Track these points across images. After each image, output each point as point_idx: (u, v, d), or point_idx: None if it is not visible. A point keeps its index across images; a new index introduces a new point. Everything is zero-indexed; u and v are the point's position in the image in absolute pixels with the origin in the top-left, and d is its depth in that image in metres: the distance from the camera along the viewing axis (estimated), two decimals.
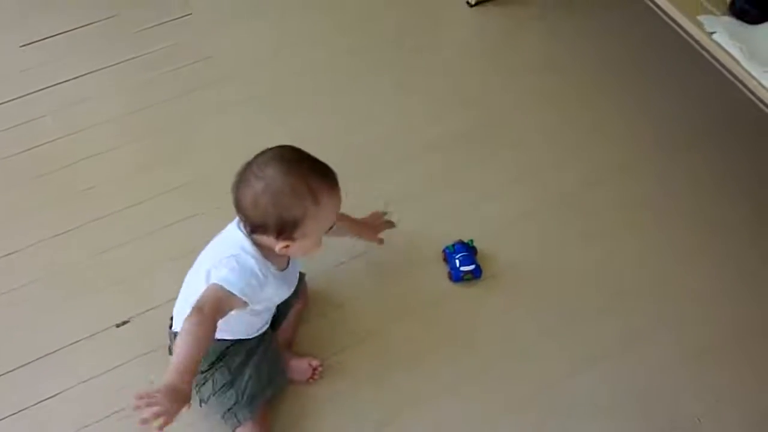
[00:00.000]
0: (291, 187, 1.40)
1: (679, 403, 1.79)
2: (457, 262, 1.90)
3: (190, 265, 1.69)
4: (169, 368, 1.29)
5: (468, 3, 2.57)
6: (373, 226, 1.86)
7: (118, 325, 1.77)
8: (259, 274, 1.45)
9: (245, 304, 1.45)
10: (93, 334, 1.77)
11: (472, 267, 1.90)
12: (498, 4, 2.59)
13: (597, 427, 1.74)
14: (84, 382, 1.71)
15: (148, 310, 1.81)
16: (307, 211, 1.40)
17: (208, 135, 2.19)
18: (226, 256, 1.46)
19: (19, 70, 2.28)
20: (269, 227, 1.42)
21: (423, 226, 2.01)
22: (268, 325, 1.68)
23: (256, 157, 1.46)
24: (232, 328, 1.58)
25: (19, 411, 1.67)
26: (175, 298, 1.65)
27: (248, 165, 1.45)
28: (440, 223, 2.03)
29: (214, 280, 1.43)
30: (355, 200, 1.72)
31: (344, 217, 1.72)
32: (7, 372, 1.72)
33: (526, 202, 2.10)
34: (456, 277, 1.90)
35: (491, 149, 2.21)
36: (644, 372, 1.82)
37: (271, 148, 1.47)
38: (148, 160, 2.12)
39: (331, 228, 1.51)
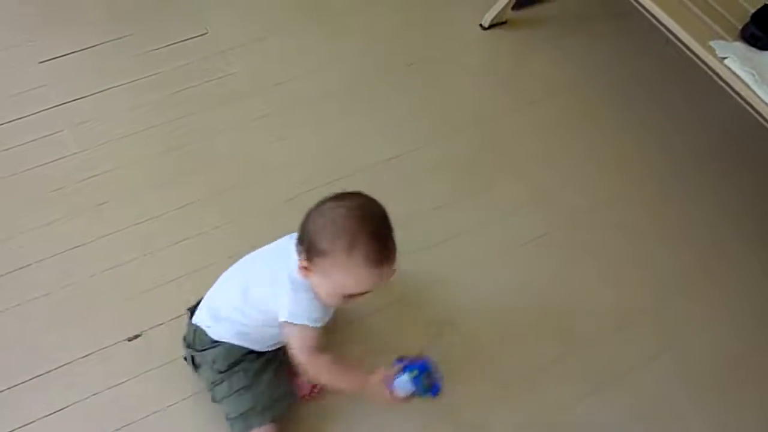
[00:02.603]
0: (342, 224, 1.45)
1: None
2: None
3: (202, 280, 1.71)
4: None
5: (481, 26, 2.60)
6: None
7: (129, 339, 1.78)
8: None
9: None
10: (104, 348, 1.78)
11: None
12: (511, 29, 2.61)
13: None
14: (95, 395, 1.71)
15: (159, 325, 1.81)
16: (335, 252, 1.44)
17: (222, 153, 2.20)
18: (287, 290, 1.53)
19: (37, 85, 2.30)
20: (303, 240, 1.50)
21: (427, 244, 2.03)
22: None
23: (357, 193, 1.53)
24: (252, 338, 1.61)
25: (29, 423, 1.67)
26: (185, 314, 1.67)
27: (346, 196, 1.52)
28: (444, 243, 2.05)
29: (292, 320, 1.52)
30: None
31: None
32: (18, 384, 1.73)
33: (535, 226, 2.12)
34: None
35: (497, 173, 2.24)
36: (647, 398, 1.84)
37: (368, 198, 1.52)
38: (162, 176, 2.14)
39: (353, 297, 1.51)
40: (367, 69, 2.46)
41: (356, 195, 1.52)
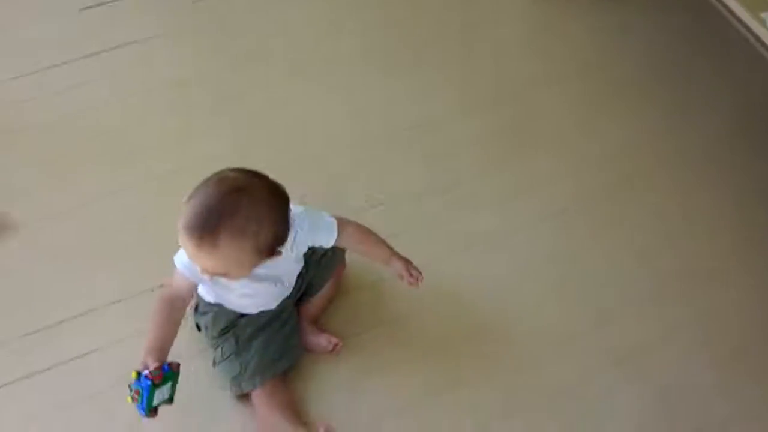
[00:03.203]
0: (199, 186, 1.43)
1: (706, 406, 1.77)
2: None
3: None
4: None
5: None
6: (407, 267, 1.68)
7: (153, 290, 1.80)
8: None
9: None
10: (131, 297, 1.81)
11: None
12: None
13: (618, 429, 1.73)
14: (120, 341, 1.74)
15: None
16: None
17: (253, 110, 2.20)
18: None
19: (77, 33, 2.32)
20: None
21: (455, 215, 2.02)
22: (277, 304, 1.68)
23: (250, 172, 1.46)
24: (225, 299, 1.64)
25: (55, 366, 1.71)
26: None
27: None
28: (472, 213, 2.03)
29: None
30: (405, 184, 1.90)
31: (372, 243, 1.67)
32: (46, 327, 1.76)
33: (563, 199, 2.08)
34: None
35: (529, 145, 2.19)
36: (671, 373, 1.81)
37: (244, 178, 1.43)
38: (194, 129, 2.15)
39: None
40: (403, 32, 2.43)
41: (245, 173, 1.43)
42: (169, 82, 2.24)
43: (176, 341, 1.47)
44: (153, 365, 1.36)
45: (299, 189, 1.94)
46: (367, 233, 1.65)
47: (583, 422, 1.73)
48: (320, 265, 1.73)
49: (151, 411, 1.37)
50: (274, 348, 1.66)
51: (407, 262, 1.65)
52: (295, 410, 1.65)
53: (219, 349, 1.67)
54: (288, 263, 1.60)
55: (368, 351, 1.78)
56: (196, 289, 1.61)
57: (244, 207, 1.36)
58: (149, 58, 2.30)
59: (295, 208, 1.54)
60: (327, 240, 1.59)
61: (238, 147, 2.09)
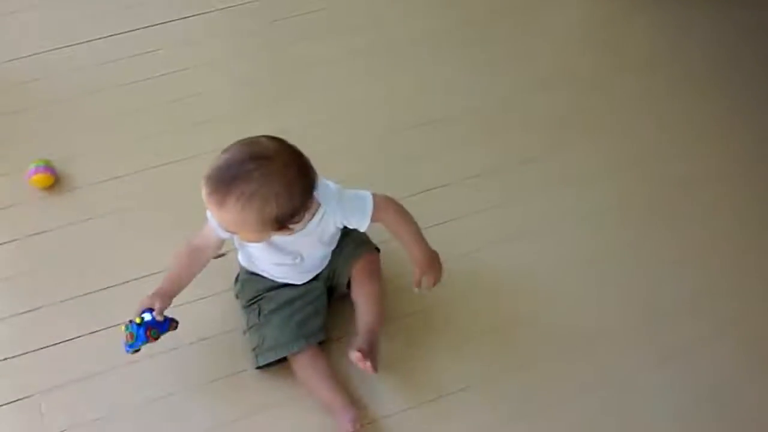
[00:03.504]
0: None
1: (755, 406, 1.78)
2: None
3: None
4: None
5: None
6: (422, 268, 1.65)
7: (215, 257, 1.85)
8: None
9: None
10: None
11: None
12: None
13: (666, 426, 1.74)
14: (177, 306, 1.73)
15: None
16: None
17: (314, 85, 2.24)
18: None
19: (138, 3, 2.37)
20: None
21: (505, 202, 2.03)
22: (303, 281, 1.70)
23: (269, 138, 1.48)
24: (256, 264, 1.68)
25: (112, 326, 1.75)
26: None
27: None
28: (525, 199, 2.05)
29: None
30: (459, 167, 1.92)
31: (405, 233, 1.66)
32: (105, 288, 1.82)
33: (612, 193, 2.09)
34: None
35: (583, 136, 2.20)
36: (719, 372, 1.81)
37: (258, 143, 1.46)
38: (252, 104, 2.18)
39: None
40: (455, 15, 2.44)
41: (278, 144, 1.45)
42: (236, 54, 2.30)
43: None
44: (158, 316, 1.53)
45: (356, 168, 2.03)
46: (403, 217, 1.62)
47: (625, 420, 1.74)
48: (341, 253, 1.72)
49: (135, 351, 1.56)
50: (292, 326, 1.66)
51: (429, 263, 1.63)
52: (333, 380, 1.67)
53: (246, 318, 1.72)
54: (309, 241, 1.59)
55: (402, 338, 1.79)
56: (220, 245, 1.63)
57: (258, 177, 1.37)
58: (216, 30, 2.35)
59: (328, 187, 1.55)
60: (360, 220, 1.57)
61: (300, 122, 2.11)
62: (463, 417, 1.71)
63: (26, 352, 1.72)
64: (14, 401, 1.66)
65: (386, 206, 1.60)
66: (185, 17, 2.36)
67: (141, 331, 1.53)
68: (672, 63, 2.39)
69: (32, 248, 1.88)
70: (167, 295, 1.58)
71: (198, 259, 1.62)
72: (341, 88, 2.24)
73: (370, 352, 1.61)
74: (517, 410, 1.73)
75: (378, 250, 1.80)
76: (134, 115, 2.14)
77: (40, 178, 1.94)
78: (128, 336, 1.54)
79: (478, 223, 1.99)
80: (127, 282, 1.82)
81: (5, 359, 1.71)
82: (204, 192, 1.40)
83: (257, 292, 1.70)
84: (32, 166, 1.94)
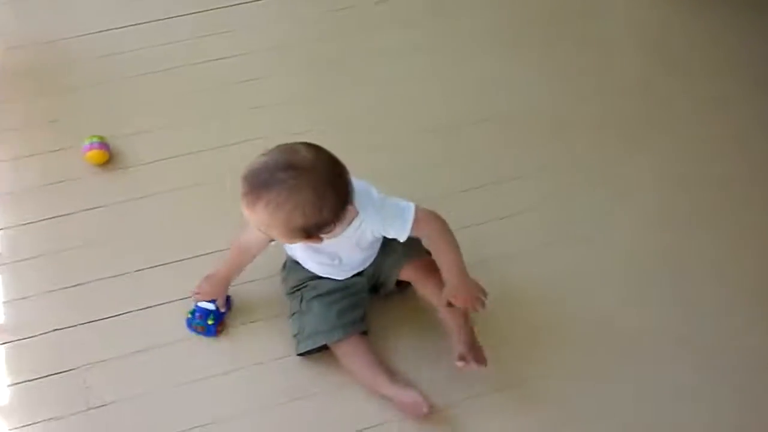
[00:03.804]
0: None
1: None
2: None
3: None
4: None
5: None
6: (452, 291, 1.60)
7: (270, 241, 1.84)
8: None
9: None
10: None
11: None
12: None
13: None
14: (251, 281, 1.77)
15: None
16: None
17: (370, 76, 2.23)
18: None
19: None
20: None
21: (554, 204, 2.00)
22: (344, 277, 1.69)
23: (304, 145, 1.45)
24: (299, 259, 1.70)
25: (160, 304, 1.77)
26: None
27: None
28: (573, 204, 2.01)
29: None
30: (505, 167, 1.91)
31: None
32: (155, 266, 1.82)
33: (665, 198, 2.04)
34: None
35: (643, 141, 2.15)
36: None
37: (294, 151, 1.43)
38: (309, 91, 2.19)
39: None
40: (526, 13, 2.41)
41: (316, 154, 1.42)
42: (298, 41, 2.30)
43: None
44: (221, 307, 1.71)
45: (413, 160, 2.03)
46: (445, 236, 1.57)
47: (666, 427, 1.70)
48: (390, 255, 1.70)
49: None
50: (332, 315, 1.65)
51: (464, 289, 1.57)
52: (379, 366, 1.65)
53: (289, 304, 1.73)
54: (347, 245, 1.58)
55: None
56: (267, 242, 1.63)
57: (290, 186, 1.36)
58: (281, 16, 2.36)
59: (369, 195, 1.52)
60: (398, 231, 1.54)
61: (354, 113, 2.13)
62: (508, 416, 1.68)
63: (74, 325, 1.73)
64: (60, 373, 1.66)
65: (428, 221, 1.56)
66: (250, 1, 2.37)
67: (212, 327, 1.71)
68: (724, 70, 2.33)
69: (85, 223, 1.89)
70: (223, 281, 1.71)
71: (246, 255, 1.69)
72: (399, 81, 2.22)
73: (472, 350, 1.63)
74: (562, 414, 1.69)
75: (429, 253, 1.76)
76: (193, 96, 2.15)
77: (95, 154, 1.96)
78: (199, 327, 1.71)
79: (523, 223, 1.95)
80: (177, 261, 1.83)
81: (54, 330, 1.72)
82: (240, 191, 1.41)
83: (300, 281, 1.71)
84: (87, 142, 1.96)
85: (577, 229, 1.96)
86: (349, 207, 1.45)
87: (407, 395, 1.62)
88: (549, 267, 1.88)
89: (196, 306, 1.72)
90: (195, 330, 1.71)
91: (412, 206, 1.54)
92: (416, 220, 1.53)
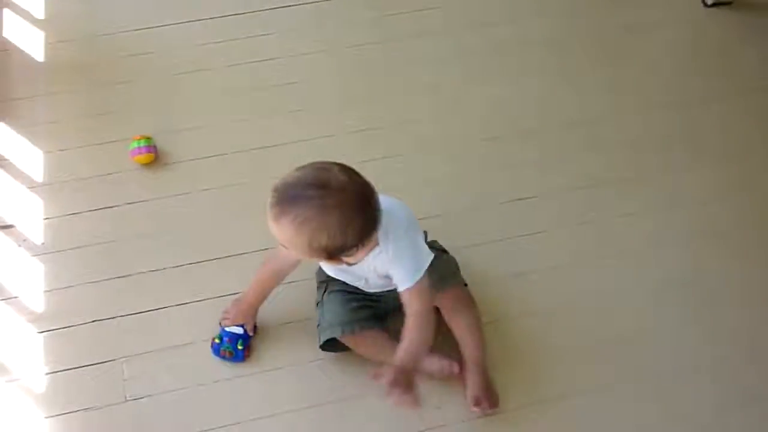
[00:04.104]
0: None
1: None
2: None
3: None
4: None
5: (704, 3, 2.45)
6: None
7: None
8: None
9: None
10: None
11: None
12: (736, 9, 2.45)
13: None
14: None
15: None
16: None
17: (416, 84, 2.22)
18: None
19: None
20: None
21: (605, 217, 1.97)
22: (370, 291, 1.67)
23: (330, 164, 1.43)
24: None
25: (200, 300, 1.78)
26: None
27: None
28: (623, 219, 1.97)
29: None
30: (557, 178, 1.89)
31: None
32: (196, 262, 1.83)
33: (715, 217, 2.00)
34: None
35: (692, 158, 2.12)
36: None
37: (318, 169, 1.41)
38: (351, 95, 2.19)
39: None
40: (574, 27, 2.40)
41: (349, 177, 1.39)
42: (346, 45, 2.30)
43: None
44: (250, 332, 1.70)
45: (451, 170, 2.03)
46: (420, 320, 1.51)
47: None
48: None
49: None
50: (348, 309, 1.65)
51: (400, 370, 1.46)
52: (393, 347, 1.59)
53: (316, 295, 1.74)
54: (368, 270, 1.56)
55: (502, 342, 1.75)
56: (297, 263, 1.64)
57: (317, 206, 1.34)
58: (330, 19, 2.37)
59: (397, 228, 1.48)
60: (400, 282, 1.51)
61: (399, 119, 2.13)
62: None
63: (114, 317, 1.74)
64: (98, 363, 1.68)
65: (424, 291, 1.52)
66: (302, 4, 2.39)
67: (238, 356, 1.69)
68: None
69: (128, 217, 1.91)
70: (252, 307, 1.71)
71: (275, 278, 1.69)
72: (446, 87, 2.22)
73: (486, 390, 1.64)
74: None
75: (465, 284, 1.74)
76: (238, 95, 2.17)
77: (142, 157, 1.98)
78: (227, 353, 1.68)
79: (569, 236, 1.94)
80: (218, 259, 1.84)
81: (93, 321, 1.73)
82: (268, 201, 1.39)
83: (329, 276, 1.70)
84: (134, 146, 1.98)
85: (626, 246, 1.93)
86: (375, 234, 1.43)
87: (432, 362, 1.63)
88: (581, 285, 1.86)
89: (224, 330, 1.70)
90: (222, 356, 1.68)
91: (425, 254, 1.54)
92: (420, 282, 1.51)
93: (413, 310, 1.52)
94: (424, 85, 2.23)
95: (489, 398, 1.63)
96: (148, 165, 1.98)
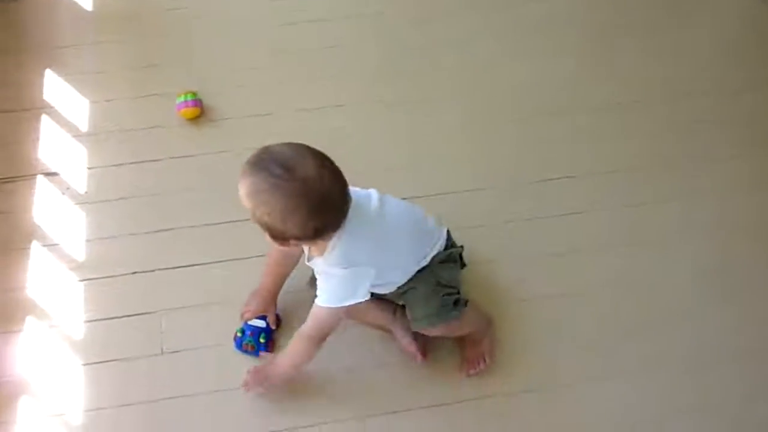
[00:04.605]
0: None
1: None
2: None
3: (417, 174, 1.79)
4: None
5: None
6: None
7: None
8: None
9: None
10: None
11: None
12: None
13: None
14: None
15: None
16: None
17: (466, 58, 2.20)
18: None
19: None
20: None
21: (640, 200, 1.95)
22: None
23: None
24: None
25: (239, 258, 1.78)
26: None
27: None
28: (657, 203, 1.94)
29: None
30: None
31: None
32: (237, 220, 1.80)
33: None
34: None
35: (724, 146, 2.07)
36: None
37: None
38: (398, 64, 2.17)
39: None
40: (612, 7, 2.35)
41: (319, 167, 1.34)
42: (402, 9, 2.29)
43: None
44: (272, 325, 1.68)
45: (488, 146, 2.02)
46: (297, 342, 1.53)
47: None
48: (410, 304, 1.60)
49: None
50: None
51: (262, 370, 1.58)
52: (385, 310, 1.66)
53: None
54: (316, 265, 1.50)
55: (529, 322, 1.74)
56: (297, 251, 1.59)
57: (272, 184, 1.31)
58: None
59: (348, 256, 1.42)
60: (317, 294, 1.49)
61: (444, 94, 2.11)
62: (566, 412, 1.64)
63: (155, 270, 1.75)
64: (137, 314, 1.69)
65: (320, 317, 1.49)
66: None
67: (263, 346, 1.65)
68: None
69: (171, 171, 1.91)
70: (271, 293, 1.69)
71: (287, 260, 1.66)
72: (500, 62, 2.19)
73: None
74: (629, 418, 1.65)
75: (466, 303, 1.63)
76: (286, 55, 2.16)
77: (189, 111, 1.97)
78: (249, 346, 1.65)
79: (602, 219, 1.91)
80: None
81: (134, 273, 1.74)
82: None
83: None
84: (181, 100, 1.97)
85: (656, 232, 1.90)
86: (319, 239, 1.39)
87: (406, 343, 1.65)
88: (609, 268, 1.83)
89: (246, 324, 1.68)
90: (245, 350, 1.65)
91: (350, 302, 1.47)
92: (324, 309, 1.47)
93: (301, 328, 1.51)
94: (459, 61, 2.19)
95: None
96: (194, 120, 1.98)
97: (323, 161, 1.35)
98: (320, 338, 1.51)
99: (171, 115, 1.98)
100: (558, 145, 2.03)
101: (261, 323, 1.67)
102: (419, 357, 1.65)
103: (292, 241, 1.38)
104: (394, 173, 1.90)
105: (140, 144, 1.95)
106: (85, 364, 1.63)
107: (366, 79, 2.13)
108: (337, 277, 1.45)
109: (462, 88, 2.14)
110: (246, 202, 1.35)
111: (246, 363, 1.62)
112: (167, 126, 1.98)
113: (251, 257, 1.76)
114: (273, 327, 1.67)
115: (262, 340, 1.65)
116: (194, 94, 1.98)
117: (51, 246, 1.78)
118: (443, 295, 1.56)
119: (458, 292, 1.61)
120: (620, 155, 2.02)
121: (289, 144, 1.37)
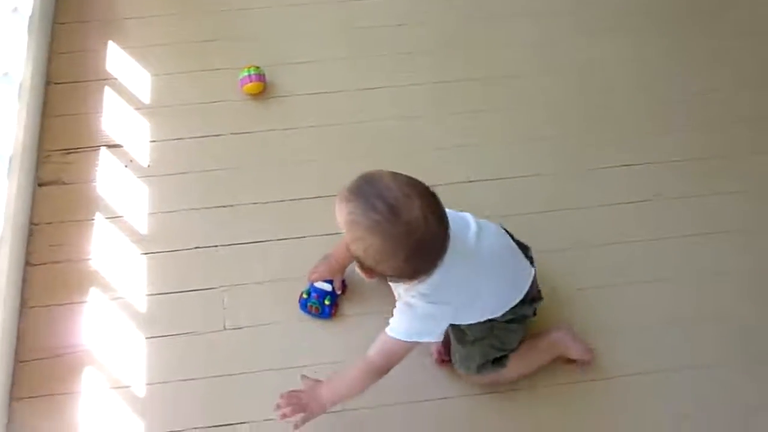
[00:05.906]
0: None
1: None
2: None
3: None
4: None
5: None
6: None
7: None
8: None
9: None
10: None
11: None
12: None
13: None
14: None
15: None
16: None
17: (510, 36, 2.16)
18: None
19: None
20: None
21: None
22: None
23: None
24: None
25: (301, 237, 1.77)
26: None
27: None
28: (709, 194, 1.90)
29: None
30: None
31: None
32: (298, 198, 1.82)
33: None
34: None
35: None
36: None
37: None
38: (473, 42, 2.13)
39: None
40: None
41: (424, 211, 1.27)
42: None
43: None
44: (338, 290, 1.67)
45: (564, 126, 1.97)
46: (361, 368, 1.43)
47: None
48: (455, 339, 1.58)
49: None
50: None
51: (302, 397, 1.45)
52: None
53: None
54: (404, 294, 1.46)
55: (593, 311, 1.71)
56: None
57: (373, 222, 1.26)
58: None
59: (432, 296, 1.37)
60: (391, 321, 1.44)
61: (506, 72, 2.08)
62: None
63: (217, 245, 1.75)
64: (200, 290, 1.69)
65: (385, 352, 1.42)
66: None
67: (327, 308, 1.66)
68: None
69: (234, 147, 1.90)
70: (341, 264, 1.66)
71: None
72: (550, 44, 2.15)
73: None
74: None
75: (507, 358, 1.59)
76: (354, 32, 2.13)
77: (253, 86, 1.96)
78: (314, 308, 1.66)
79: (664, 208, 1.87)
80: (319, 197, 1.80)
81: (197, 248, 1.74)
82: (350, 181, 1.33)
83: None
84: (244, 74, 1.96)
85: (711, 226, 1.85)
86: (409, 280, 1.36)
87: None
88: (673, 260, 1.79)
89: (312, 286, 1.68)
90: (309, 311, 1.66)
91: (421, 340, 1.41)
92: (385, 340, 1.41)
93: (368, 353, 1.43)
94: (528, 39, 2.15)
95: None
96: (257, 95, 1.96)
97: (430, 201, 1.28)
98: (386, 369, 1.43)
99: (234, 89, 1.96)
100: (627, 132, 1.99)
101: (327, 286, 1.67)
102: (438, 359, 1.62)
103: (379, 275, 1.34)
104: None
105: (203, 118, 1.94)
106: (148, 338, 1.63)
107: (434, 58, 2.10)
108: (417, 310, 1.39)
109: (531, 65, 2.10)
110: (343, 227, 1.31)
111: (306, 338, 1.64)
112: (230, 100, 1.97)
113: (310, 236, 1.75)
114: (339, 292, 1.68)
115: (327, 303, 1.66)
116: (258, 68, 1.96)
117: (114, 218, 1.79)
118: (485, 353, 1.53)
119: (508, 351, 1.56)
120: (686, 146, 1.96)
121: (396, 177, 1.29)
